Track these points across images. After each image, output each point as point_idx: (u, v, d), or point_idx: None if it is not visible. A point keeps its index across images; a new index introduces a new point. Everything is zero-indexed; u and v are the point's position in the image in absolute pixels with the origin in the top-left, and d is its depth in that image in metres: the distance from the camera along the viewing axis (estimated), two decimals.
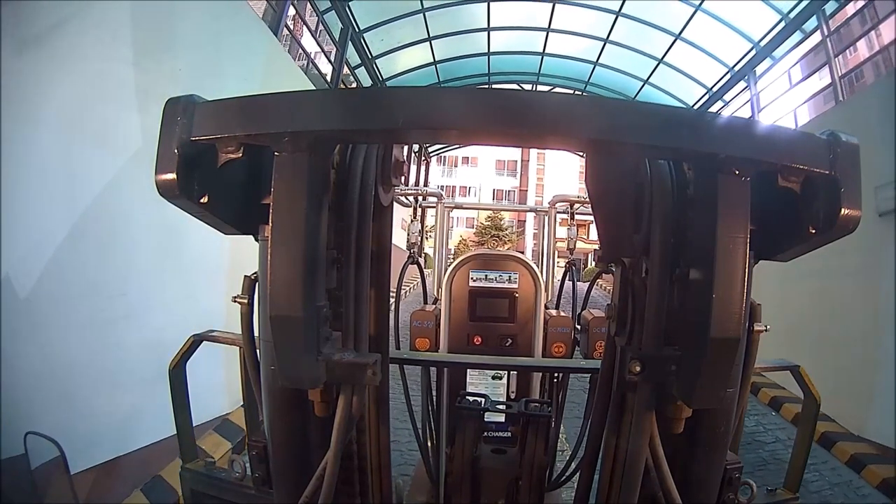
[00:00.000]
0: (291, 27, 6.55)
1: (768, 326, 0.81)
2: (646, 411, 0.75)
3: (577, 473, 1.24)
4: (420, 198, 2.17)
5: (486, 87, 10.23)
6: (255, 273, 0.84)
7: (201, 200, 0.66)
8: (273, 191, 0.63)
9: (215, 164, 0.65)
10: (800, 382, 1.10)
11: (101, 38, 2.80)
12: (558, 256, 2.16)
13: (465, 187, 32.75)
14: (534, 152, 31.78)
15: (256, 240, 0.79)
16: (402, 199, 2.09)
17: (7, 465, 2.09)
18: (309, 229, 0.64)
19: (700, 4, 7.54)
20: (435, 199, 2.25)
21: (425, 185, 16.94)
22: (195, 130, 0.62)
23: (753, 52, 7.87)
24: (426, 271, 2.16)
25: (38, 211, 2.51)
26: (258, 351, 0.85)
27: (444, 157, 25.83)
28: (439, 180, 30.04)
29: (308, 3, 7.00)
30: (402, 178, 0.93)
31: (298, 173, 0.63)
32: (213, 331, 1.11)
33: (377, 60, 9.32)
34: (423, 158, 17.48)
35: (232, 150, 0.64)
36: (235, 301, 0.87)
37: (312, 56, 7.71)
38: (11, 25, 2.33)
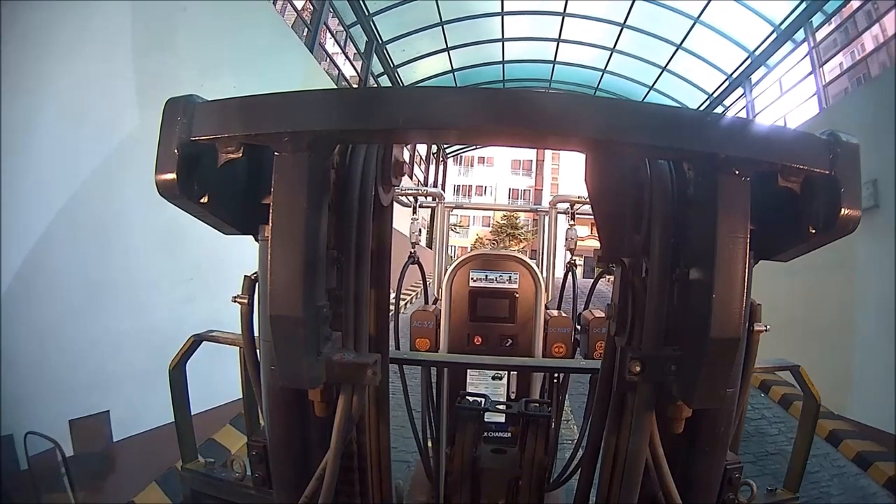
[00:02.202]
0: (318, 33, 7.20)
1: (768, 326, 0.81)
2: (646, 411, 0.75)
3: (577, 473, 1.24)
4: (426, 197, 2.17)
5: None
6: (255, 273, 0.84)
7: (201, 200, 0.66)
8: (273, 191, 0.63)
9: (215, 164, 0.65)
10: (799, 382, 1.10)
11: (172, 66, 3.39)
12: (573, 255, 2.15)
13: (482, 187, 33.04)
14: (548, 152, 31.95)
15: (256, 240, 0.78)
16: (403, 199, 2.09)
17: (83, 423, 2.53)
18: (309, 229, 0.64)
19: (698, 17, 8.06)
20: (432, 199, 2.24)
21: (442, 185, 17.24)
22: (195, 130, 0.62)
23: (749, 60, 8.37)
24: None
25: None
26: (258, 351, 0.85)
27: (461, 157, 26.28)
28: (456, 180, 30.59)
29: (330, 10, 7.51)
30: (402, 177, 0.93)
31: (298, 173, 0.63)
32: (213, 331, 1.11)
33: (399, 69, 10.09)
34: (440, 159, 17.61)
35: (232, 150, 0.64)
36: (235, 301, 0.87)
37: (335, 56, 8.37)
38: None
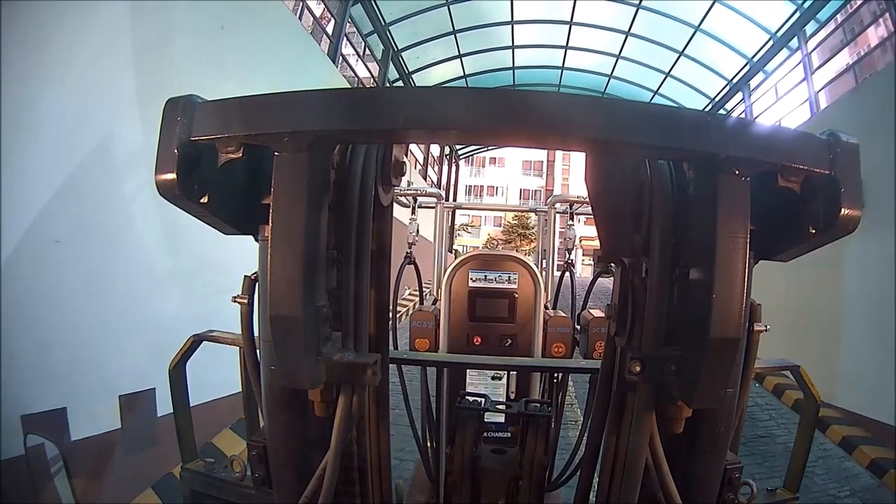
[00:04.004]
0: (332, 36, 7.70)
1: (768, 326, 0.81)
2: (646, 411, 0.75)
3: (577, 473, 1.24)
4: (435, 199, 2.17)
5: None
6: (254, 273, 0.84)
7: (201, 200, 0.66)
8: (273, 191, 0.63)
9: (215, 164, 0.65)
10: (799, 382, 1.10)
11: (217, 79, 3.70)
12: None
13: (493, 187, 33.37)
14: (559, 153, 32.27)
15: (256, 240, 0.78)
16: (402, 199, 2.09)
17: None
18: (309, 229, 0.64)
19: (699, 25, 8.43)
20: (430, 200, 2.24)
21: (455, 186, 17.40)
22: (195, 130, 0.62)
23: (748, 66, 8.75)
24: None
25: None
26: (258, 351, 0.85)
27: (472, 158, 26.76)
28: (468, 180, 31.28)
29: (346, 19, 7.95)
30: (402, 177, 0.93)
31: (298, 173, 0.63)
32: (213, 331, 1.11)
33: (413, 75, 10.59)
34: (452, 160, 17.71)
35: (232, 150, 0.64)
36: (235, 301, 0.87)
37: (349, 58, 8.88)
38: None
